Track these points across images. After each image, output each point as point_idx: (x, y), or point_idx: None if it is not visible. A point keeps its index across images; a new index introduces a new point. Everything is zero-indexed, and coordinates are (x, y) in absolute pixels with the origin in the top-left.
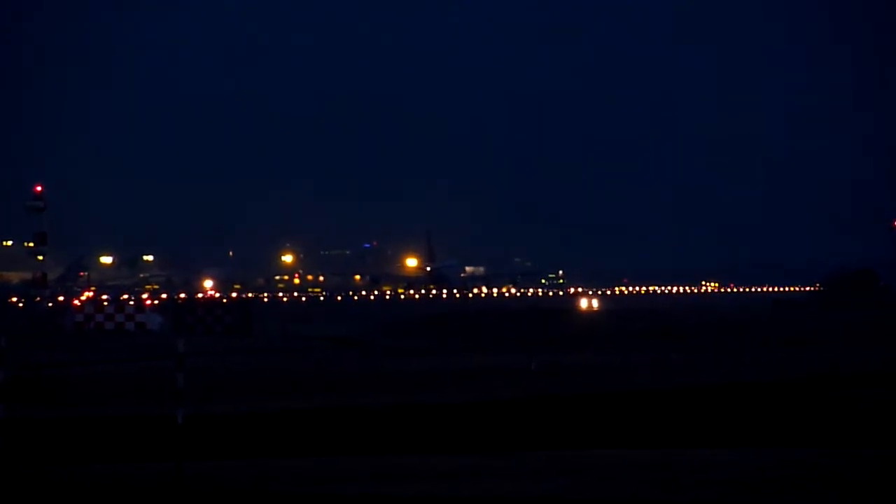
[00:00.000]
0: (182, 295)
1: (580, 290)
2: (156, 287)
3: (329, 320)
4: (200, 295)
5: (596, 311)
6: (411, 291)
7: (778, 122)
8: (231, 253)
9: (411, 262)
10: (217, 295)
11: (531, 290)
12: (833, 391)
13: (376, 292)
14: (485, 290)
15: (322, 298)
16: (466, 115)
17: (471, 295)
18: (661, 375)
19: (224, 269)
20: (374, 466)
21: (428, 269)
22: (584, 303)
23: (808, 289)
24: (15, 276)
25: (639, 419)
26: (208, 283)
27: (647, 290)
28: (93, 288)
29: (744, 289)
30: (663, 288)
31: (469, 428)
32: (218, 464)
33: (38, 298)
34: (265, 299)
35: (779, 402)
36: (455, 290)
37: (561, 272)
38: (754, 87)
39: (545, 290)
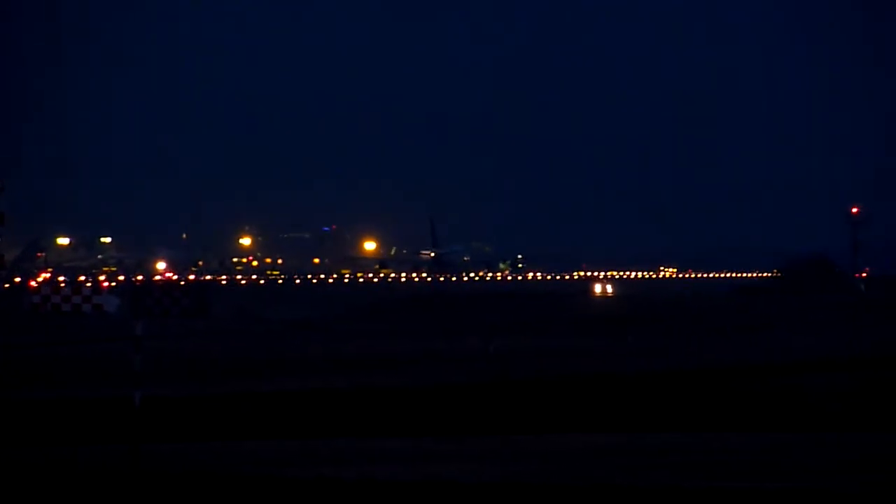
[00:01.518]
0: (139, 277)
1: (539, 275)
2: (113, 269)
3: (288, 303)
4: (158, 277)
5: (557, 296)
6: (370, 275)
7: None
8: (185, 235)
9: (370, 245)
10: (175, 277)
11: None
12: (783, 377)
13: (335, 275)
14: (481, 274)
15: (280, 282)
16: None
17: (454, 278)
18: (619, 360)
19: (177, 252)
20: (331, 449)
21: (432, 254)
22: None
23: (765, 275)
24: None
25: (595, 403)
26: (161, 266)
27: (606, 275)
28: (50, 269)
29: (702, 274)
30: (622, 273)
31: (425, 411)
32: (175, 446)
33: None
34: (223, 282)
35: (732, 388)
36: (454, 276)
37: (520, 256)
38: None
39: (504, 275)
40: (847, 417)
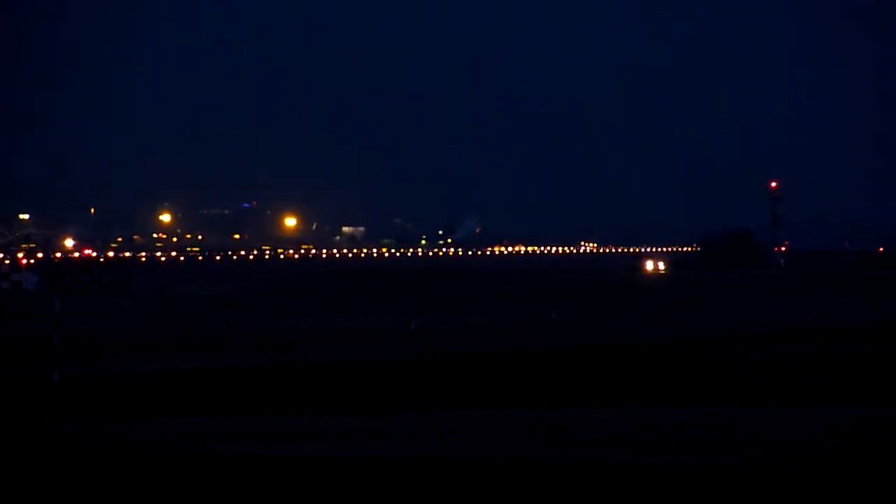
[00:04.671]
0: (58, 254)
1: (461, 251)
2: (32, 246)
3: (210, 280)
4: (76, 254)
5: (479, 272)
6: (291, 251)
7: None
8: (92, 210)
9: (290, 221)
10: (94, 254)
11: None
12: (702, 351)
13: (256, 252)
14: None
15: (201, 258)
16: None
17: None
18: (541, 336)
19: (84, 228)
20: (252, 426)
21: (449, 240)
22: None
23: (685, 249)
24: None
25: (521, 378)
26: (69, 243)
27: (527, 251)
28: None
29: (622, 249)
30: (543, 248)
31: (347, 388)
32: (96, 423)
33: None
34: (143, 259)
35: (652, 363)
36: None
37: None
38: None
39: (425, 252)
40: (776, 391)
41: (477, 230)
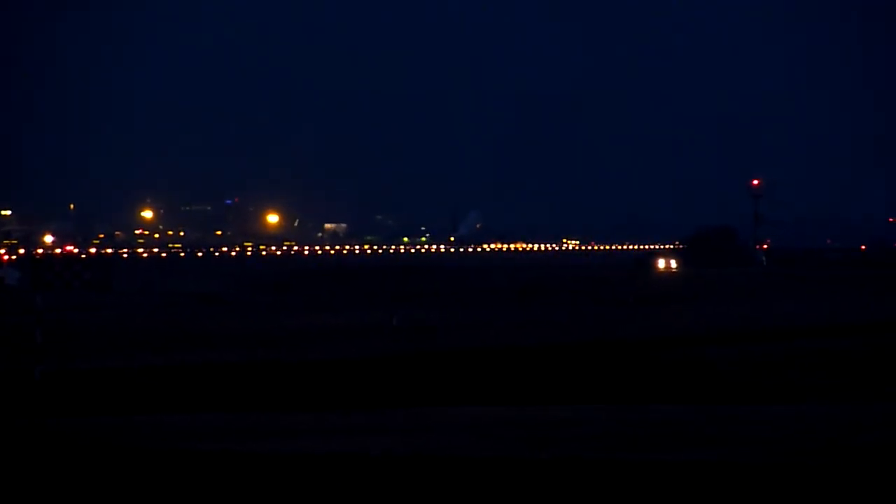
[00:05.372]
0: (39, 251)
1: (444, 248)
2: (14, 242)
3: (192, 276)
4: (59, 251)
5: (463, 269)
6: (273, 247)
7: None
8: (72, 206)
9: (273, 218)
10: (76, 251)
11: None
12: (682, 349)
13: (238, 248)
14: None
15: (183, 255)
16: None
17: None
18: (522, 333)
19: (64, 224)
20: (237, 423)
21: (451, 238)
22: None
23: (668, 247)
24: None
25: (502, 375)
26: (48, 239)
27: (510, 248)
28: None
29: (605, 247)
30: (526, 246)
31: (329, 385)
32: (79, 419)
33: None
34: (125, 255)
35: (633, 360)
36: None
37: (423, 229)
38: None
39: (407, 248)
40: (753, 389)
41: (478, 226)
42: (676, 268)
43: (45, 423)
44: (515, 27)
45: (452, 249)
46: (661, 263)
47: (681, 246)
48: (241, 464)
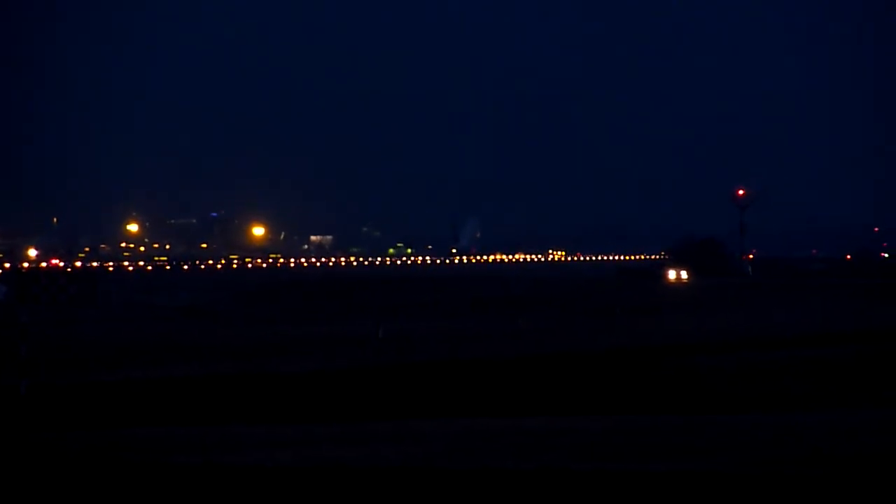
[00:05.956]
0: (25, 265)
1: (428, 260)
2: (0, 256)
3: (177, 290)
4: (44, 264)
5: (447, 279)
6: (259, 260)
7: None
8: (55, 220)
9: (258, 230)
10: (61, 264)
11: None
12: (671, 359)
13: (224, 261)
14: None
15: (168, 268)
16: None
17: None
18: (508, 343)
19: (48, 238)
20: (220, 435)
21: (453, 250)
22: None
23: (653, 257)
24: None
25: (487, 386)
26: (32, 252)
27: (495, 259)
28: None
29: (590, 257)
30: (510, 256)
31: (314, 396)
32: (63, 433)
33: None
34: (110, 269)
35: (618, 370)
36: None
37: (402, 243)
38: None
39: (393, 260)
40: (738, 398)
41: (477, 234)
42: (687, 279)
43: (29, 438)
44: (515, 27)
45: (438, 261)
46: (672, 275)
47: (666, 256)
48: (223, 475)
